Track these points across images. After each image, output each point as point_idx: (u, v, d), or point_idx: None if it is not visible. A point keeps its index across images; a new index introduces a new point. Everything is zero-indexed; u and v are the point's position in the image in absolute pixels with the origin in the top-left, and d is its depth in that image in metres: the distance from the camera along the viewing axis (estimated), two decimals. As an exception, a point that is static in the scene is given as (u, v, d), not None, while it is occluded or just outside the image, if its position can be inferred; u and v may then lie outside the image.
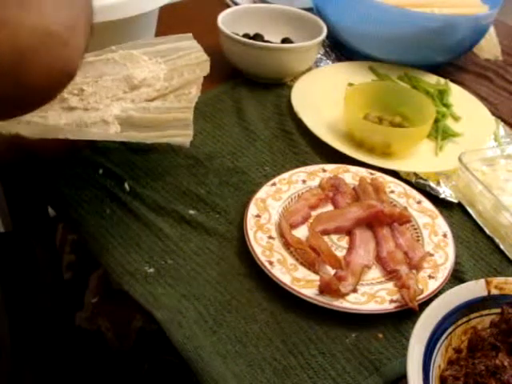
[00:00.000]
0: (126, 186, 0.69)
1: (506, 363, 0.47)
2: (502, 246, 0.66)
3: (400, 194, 0.70)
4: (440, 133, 0.81)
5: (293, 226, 0.64)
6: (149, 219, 0.65)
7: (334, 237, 0.65)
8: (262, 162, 0.75)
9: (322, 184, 0.70)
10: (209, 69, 0.69)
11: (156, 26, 0.87)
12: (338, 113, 0.80)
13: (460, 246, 0.66)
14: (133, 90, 0.65)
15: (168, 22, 0.88)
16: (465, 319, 0.51)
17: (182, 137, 0.60)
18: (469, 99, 0.90)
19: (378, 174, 0.72)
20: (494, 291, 0.52)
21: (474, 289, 0.52)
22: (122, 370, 0.93)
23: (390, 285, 0.59)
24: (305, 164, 0.74)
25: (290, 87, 0.87)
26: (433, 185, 0.72)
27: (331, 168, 0.73)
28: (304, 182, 0.70)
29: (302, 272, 0.59)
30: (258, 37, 0.90)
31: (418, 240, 0.64)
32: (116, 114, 0.61)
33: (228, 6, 0.95)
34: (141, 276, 0.59)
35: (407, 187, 0.71)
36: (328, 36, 0.90)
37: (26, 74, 0.36)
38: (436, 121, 0.80)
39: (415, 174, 0.74)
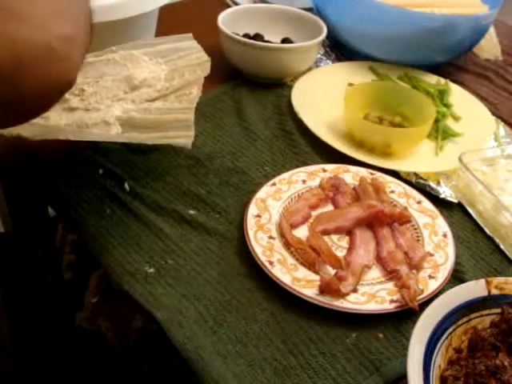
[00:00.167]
0: (126, 186, 0.69)
1: (506, 363, 0.47)
2: (502, 246, 0.66)
3: (400, 194, 0.70)
4: (440, 133, 0.81)
5: (293, 226, 0.64)
6: (149, 219, 0.65)
7: (335, 237, 0.65)
8: (262, 162, 0.75)
9: (322, 184, 0.70)
10: (209, 69, 0.69)
11: (156, 26, 0.87)
12: (338, 113, 0.80)
13: (460, 246, 0.66)
14: (133, 91, 0.65)
15: (168, 22, 0.88)
16: (465, 319, 0.51)
17: (184, 138, 0.60)
18: (469, 99, 0.90)
19: (378, 174, 0.72)
20: (495, 291, 0.52)
21: (474, 289, 0.52)
22: (121, 370, 0.93)
23: (390, 285, 0.59)
24: (305, 164, 0.74)
25: (290, 87, 0.87)
26: (433, 185, 0.72)
27: (331, 168, 0.73)
28: (304, 181, 0.70)
29: (303, 272, 0.59)
30: (258, 37, 0.90)
31: (418, 240, 0.65)
32: (117, 115, 0.61)
33: (228, 6, 0.95)
34: (141, 276, 0.59)
35: (407, 187, 0.71)
36: (328, 36, 0.90)
37: (23, 82, 0.36)
38: (436, 121, 0.80)
39: (415, 174, 0.74)
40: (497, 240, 0.67)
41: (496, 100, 0.92)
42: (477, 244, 0.67)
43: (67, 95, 0.62)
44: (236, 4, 1.04)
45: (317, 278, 0.57)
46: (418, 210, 0.68)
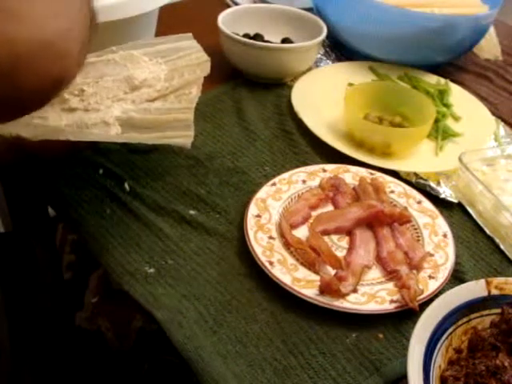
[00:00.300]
0: (126, 186, 0.69)
1: (506, 363, 0.47)
2: (502, 246, 0.66)
3: (400, 194, 0.70)
4: (440, 133, 0.81)
5: (293, 226, 0.64)
6: (149, 219, 0.65)
7: (334, 237, 0.65)
8: (262, 162, 0.75)
9: (322, 184, 0.70)
10: (209, 69, 0.69)
11: (156, 25, 0.87)
12: (338, 113, 0.80)
13: (460, 246, 0.66)
14: (133, 91, 0.65)
15: (168, 22, 0.88)
16: (465, 319, 0.51)
17: (183, 138, 0.60)
18: (469, 99, 0.90)
19: (378, 174, 0.72)
20: (494, 291, 0.52)
21: (474, 289, 0.52)
22: (122, 370, 0.93)
23: (391, 285, 0.59)
24: (305, 164, 0.74)
25: (290, 87, 0.87)
26: (433, 185, 0.72)
27: (331, 168, 0.73)
28: (304, 182, 0.70)
29: (303, 272, 0.59)
30: (258, 37, 0.90)
31: (418, 240, 0.64)
32: (117, 115, 0.61)
33: (228, 6, 0.95)
34: (141, 276, 0.59)
35: (407, 187, 0.71)
36: (328, 36, 0.90)
37: (22, 79, 0.36)
38: (436, 121, 0.80)
39: (415, 174, 0.74)
40: (497, 240, 0.67)
41: (496, 100, 0.92)
42: (477, 244, 0.67)
43: (67, 95, 0.62)
44: (236, 4, 1.04)
45: (317, 278, 0.57)
46: (418, 210, 0.68)
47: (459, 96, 0.90)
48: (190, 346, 0.53)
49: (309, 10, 0.95)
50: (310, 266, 0.60)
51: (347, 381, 0.52)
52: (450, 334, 0.50)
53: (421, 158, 0.78)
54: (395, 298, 0.57)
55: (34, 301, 1.00)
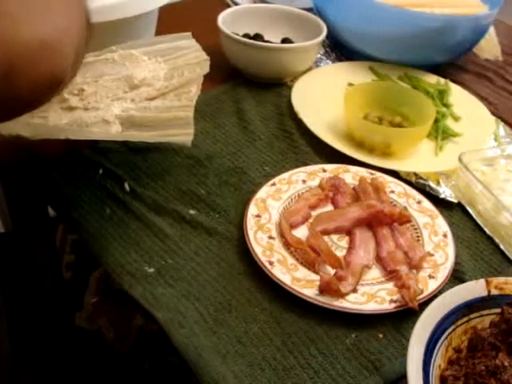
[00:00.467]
0: (126, 186, 0.69)
1: (506, 363, 0.47)
2: (502, 246, 0.66)
3: (400, 194, 0.70)
4: (440, 133, 0.81)
5: (293, 226, 0.64)
6: (149, 219, 0.65)
7: (334, 237, 0.65)
8: (262, 162, 0.75)
9: (321, 184, 0.70)
10: (209, 68, 0.69)
11: (156, 25, 0.87)
12: (338, 113, 0.80)
13: (460, 246, 0.66)
14: (133, 90, 0.65)
15: (168, 22, 0.88)
16: (465, 319, 0.51)
17: (183, 136, 0.60)
18: (469, 99, 0.90)
19: (378, 174, 0.72)
20: (494, 291, 0.52)
21: (474, 289, 0.52)
22: (122, 370, 0.93)
23: (390, 285, 0.59)
24: (305, 164, 0.74)
25: (289, 87, 0.87)
26: (433, 185, 0.72)
27: (331, 168, 0.73)
28: (304, 181, 0.70)
29: (302, 272, 0.59)
30: (258, 37, 0.90)
31: (418, 240, 0.64)
32: (116, 114, 0.61)
33: (228, 6, 0.95)
34: (141, 276, 0.59)
35: (407, 187, 0.71)
36: (328, 36, 0.90)
37: (19, 79, 0.36)
38: (436, 121, 0.80)
39: (415, 174, 0.74)
40: (497, 240, 0.67)
41: (496, 100, 0.92)
42: (477, 244, 0.67)
43: (66, 95, 0.62)
44: (236, 4, 1.04)
45: (317, 278, 0.57)
46: (418, 210, 0.68)
47: (459, 96, 0.90)
48: (190, 346, 0.53)
49: (309, 10, 0.95)
50: (310, 265, 0.60)
51: (347, 381, 0.52)
52: (450, 333, 0.49)
53: (421, 158, 0.78)
54: (395, 297, 0.57)
55: (33, 301, 1.00)
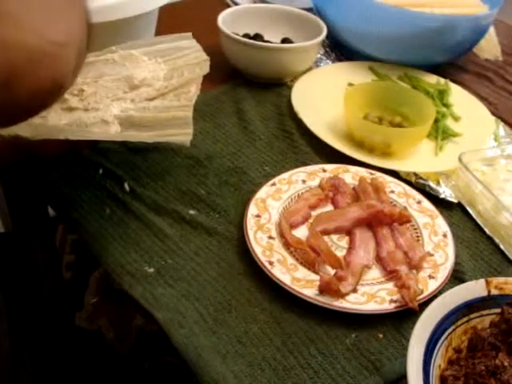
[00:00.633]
0: (126, 186, 0.69)
1: (506, 363, 0.47)
2: (502, 246, 0.66)
3: (400, 194, 0.70)
4: (440, 133, 0.81)
5: (293, 226, 0.64)
6: (149, 219, 0.65)
7: (334, 237, 0.65)
8: (262, 162, 0.75)
9: (321, 184, 0.70)
10: (208, 68, 0.69)
11: (156, 25, 0.87)
12: (338, 113, 0.80)
13: (460, 246, 0.66)
14: (133, 90, 0.65)
15: (168, 22, 0.88)
16: (465, 319, 0.51)
17: (182, 135, 0.60)
18: (469, 99, 0.90)
19: (378, 174, 0.72)
20: (494, 291, 0.52)
21: (473, 289, 0.52)
22: (122, 370, 0.93)
23: (390, 285, 0.59)
24: (305, 164, 0.74)
25: (289, 87, 0.87)
26: (433, 185, 0.72)
27: (331, 168, 0.73)
28: (304, 182, 0.70)
29: (302, 272, 0.59)
30: (258, 37, 0.90)
31: (418, 240, 0.64)
32: (116, 114, 0.61)
33: (228, 6, 0.95)
34: (141, 276, 0.59)
35: (407, 187, 0.71)
36: (328, 36, 0.90)
37: (19, 84, 0.36)
38: (436, 121, 0.80)
39: (415, 174, 0.74)
40: (497, 240, 0.67)
41: (496, 100, 0.92)
42: (477, 244, 0.67)
43: (66, 95, 0.62)
44: (236, 4, 1.04)
45: (317, 278, 0.57)
46: (418, 210, 0.68)
47: (459, 96, 0.90)
48: (190, 346, 0.53)
49: (309, 10, 0.95)
50: (310, 265, 0.60)
51: (347, 381, 0.52)
52: (450, 333, 0.49)
53: (421, 158, 0.78)
54: (395, 297, 0.57)
55: (33, 301, 1.00)
